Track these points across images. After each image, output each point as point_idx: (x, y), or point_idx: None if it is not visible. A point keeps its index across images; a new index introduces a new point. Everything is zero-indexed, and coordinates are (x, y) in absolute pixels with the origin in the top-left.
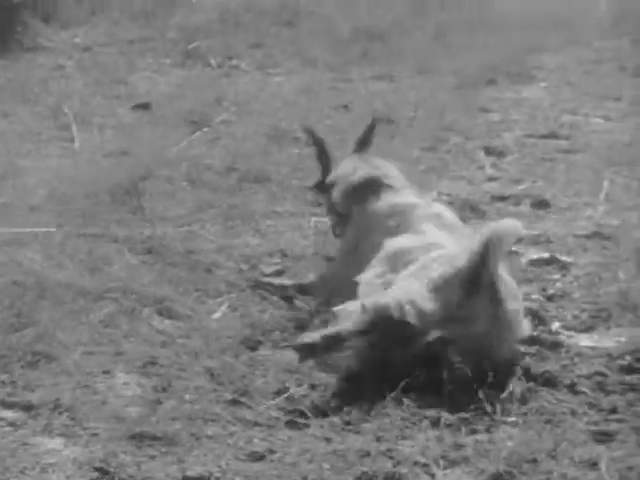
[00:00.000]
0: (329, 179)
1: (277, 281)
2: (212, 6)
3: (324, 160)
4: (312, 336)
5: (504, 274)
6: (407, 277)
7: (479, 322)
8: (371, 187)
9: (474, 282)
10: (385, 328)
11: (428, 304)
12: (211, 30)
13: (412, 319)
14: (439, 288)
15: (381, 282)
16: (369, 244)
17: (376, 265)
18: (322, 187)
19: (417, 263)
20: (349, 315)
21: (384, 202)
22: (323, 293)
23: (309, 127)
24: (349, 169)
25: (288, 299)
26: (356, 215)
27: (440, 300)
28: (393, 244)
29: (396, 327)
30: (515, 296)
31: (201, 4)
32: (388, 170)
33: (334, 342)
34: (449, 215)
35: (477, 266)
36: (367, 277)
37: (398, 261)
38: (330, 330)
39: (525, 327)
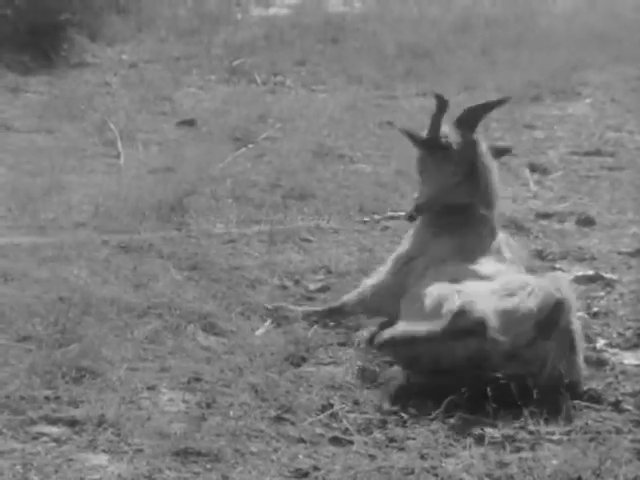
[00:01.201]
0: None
1: (300, 308)
2: (257, 23)
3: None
4: (387, 334)
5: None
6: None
7: (546, 365)
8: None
9: (548, 325)
10: (474, 340)
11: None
12: (256, 47)
13: (502, 340)
14: (512, 321)
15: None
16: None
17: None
18: (425, 145)
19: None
20: (437, 313)
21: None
22: (358, 311)
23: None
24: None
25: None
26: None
27: (511, 332)
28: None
29: (483, 343)
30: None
31: (246, 21)
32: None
33: (414, 341)
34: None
35: (554, 310)
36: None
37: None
38: (419, 328)
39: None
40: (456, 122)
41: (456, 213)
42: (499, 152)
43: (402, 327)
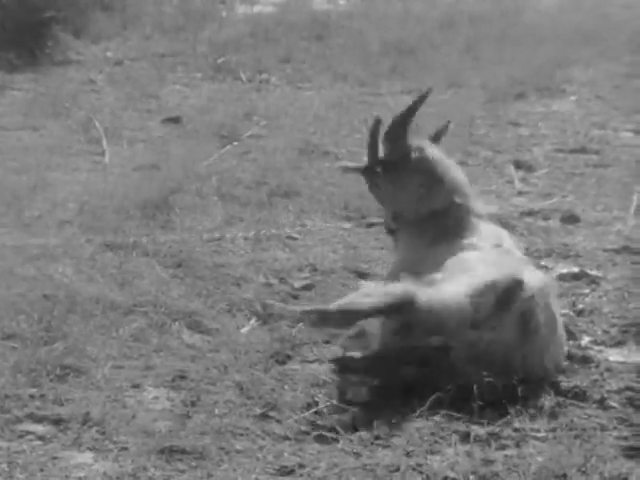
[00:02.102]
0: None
1: (289, 307)
2: (242, 20)
3: (373, 144)
4: (327, 305)
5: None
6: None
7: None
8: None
9: (508, 298)
10: (406, 315)
11: (460, 305)
12: (241, 44)
13: (430, 313)
14: (475, 294)
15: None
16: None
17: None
18: (368, 172)
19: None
20: (371, 293)
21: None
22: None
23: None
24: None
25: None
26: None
27: (473, 305)
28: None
29: (414, 316)
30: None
31: (231, 18)
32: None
33: (349, 316)
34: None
35: (512, 285)
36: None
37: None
38: (347, 303)
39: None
40: (386, 137)
41: (439, 216)
42: (438, 136)
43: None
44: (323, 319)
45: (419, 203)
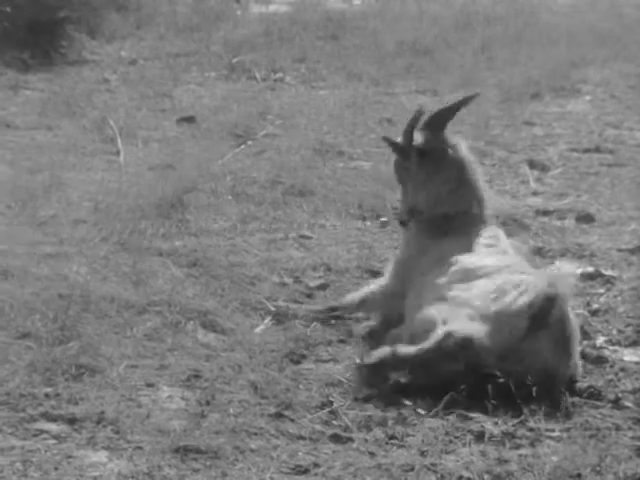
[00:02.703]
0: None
1: (304, 306)
2: (257, 20)
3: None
4: (380, 354)
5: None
6: (475, 299)
7: (541, 358)
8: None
9: (541, 317)
10: (466, 359)
11: (490, 336)
12: (256, 44)
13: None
14: (505, 319)
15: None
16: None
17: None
18: (403, 152)
19: (488, 284)
20: (425, 335)
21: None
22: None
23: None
24: None
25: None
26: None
27: (504, 331)
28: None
29: (474, 359)
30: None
31: (246, 18)
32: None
33: (407, 363)
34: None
35: (546, 302)
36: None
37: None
38: (402, 350)
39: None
40: (427, 125)
41: (451, 219)
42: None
43: (389, 350)
44: (380, 369)
45: (439, 201)
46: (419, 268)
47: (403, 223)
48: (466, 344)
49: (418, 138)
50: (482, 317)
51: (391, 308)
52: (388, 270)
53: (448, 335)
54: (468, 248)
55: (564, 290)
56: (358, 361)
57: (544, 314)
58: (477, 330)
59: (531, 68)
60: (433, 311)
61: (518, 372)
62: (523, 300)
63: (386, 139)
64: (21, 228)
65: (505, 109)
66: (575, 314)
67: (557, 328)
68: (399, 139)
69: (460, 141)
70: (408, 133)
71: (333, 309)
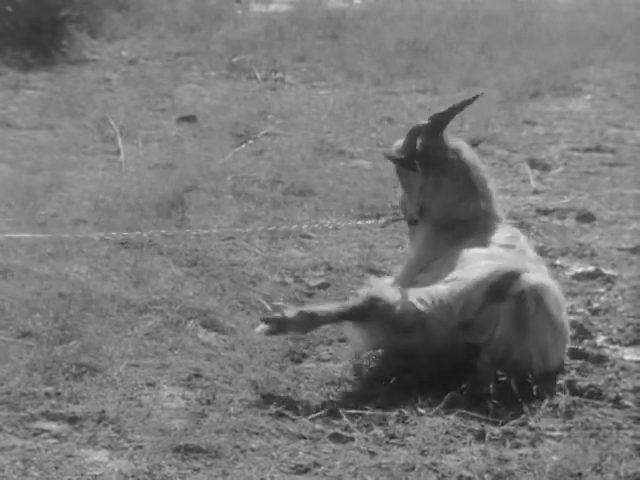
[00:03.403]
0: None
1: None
2: (257, 19)
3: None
4: (288, 311)
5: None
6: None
7: (498, 329)
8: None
9: (498, 291)
10: (374, 316)
11: (450, 306)
12: (256, 43)
13: (412, 314)
14: (463, 292)
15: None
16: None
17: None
18: (405, 162)
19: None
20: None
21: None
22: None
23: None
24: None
25: None
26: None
27: (462, 304)
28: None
29: (387, 317)
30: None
31: (246, 17)
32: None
33: (310, 321)
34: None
35: (504, 278)
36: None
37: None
38: (309, 308)
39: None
40: (427, 130)
41: (465, 222)
42: (475, 143)
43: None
44: (283, 326)
45: (449, 207)
46: (429, 274)
47: (413, 222)
48: (370, 302)
49: (419, 146)
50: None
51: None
52: (400, 272)
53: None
54: (487, 249)
55: (538, 278)
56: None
57: (502, 287)
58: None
59: (531, 67)
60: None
61: (479, 343)
62: (482, 273)
63: (388, 156)
64: (22, 227)
65: (506, 108)
66: (567, 312)
67: (515, 304)
68: (400, 151)
69: (462, 144)
70: (411, 146)
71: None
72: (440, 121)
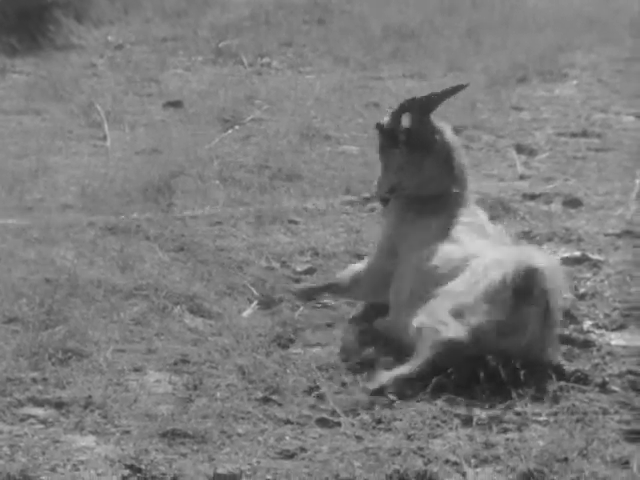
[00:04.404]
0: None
1: (305, 285)
2: (243, 4)
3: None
4: (382, 379)
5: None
6: (454, 290)
7: (528, 331)
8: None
9: (525, 291)
10: (455, 361)
11: (479, 316)
12: (242, 28)
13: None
14: (490, 298)
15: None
16: (409, 243)
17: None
18: (389, 134)
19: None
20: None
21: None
22: (355, 291)
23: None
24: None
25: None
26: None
27: (492, 309)
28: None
29: (463, 357)
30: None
31: (233, 2)
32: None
33: (405, 382)
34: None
35: (527, 276)
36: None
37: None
38: (402, 372)
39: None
40: (417, 108)
41: (435, 198)
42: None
43: (387, 375)
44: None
45: (424, 184)
46: (403, 245)
47: (384, 200)
48: (453, 346)
49: (405, 122)
50: (468, 307)
51: (376, 290)
52: (373, 251)
53: (433, 344)
54: (449, 227)
55: (544, 265)
56: (361, 385)
57: (527, 287)
58: (456, 328)
59: (518, 52)
60: (422, 318)
61: (520, 347)
62: (502, 274)
63: (378, 125)
64: (8, 212)
65: (492, 93)
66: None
67: (540, 302)
68: (385, 120)
69: (446, 125)
70: (396, 116)
71: (324, 289)
72: (429, 102)
